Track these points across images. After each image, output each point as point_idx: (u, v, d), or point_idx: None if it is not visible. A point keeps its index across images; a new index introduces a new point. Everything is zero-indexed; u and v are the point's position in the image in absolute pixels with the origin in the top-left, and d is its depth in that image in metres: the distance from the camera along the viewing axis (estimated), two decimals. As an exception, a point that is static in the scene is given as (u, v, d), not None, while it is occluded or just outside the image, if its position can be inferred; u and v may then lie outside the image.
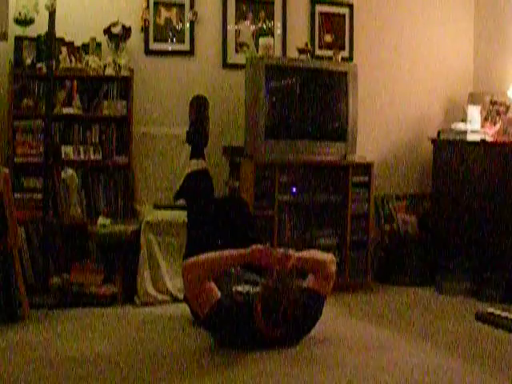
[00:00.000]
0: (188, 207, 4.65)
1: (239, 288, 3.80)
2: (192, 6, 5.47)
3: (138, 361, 3.50)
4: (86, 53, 5.11)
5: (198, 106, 4.83)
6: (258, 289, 3.74)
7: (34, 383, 3.18)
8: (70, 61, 5.04)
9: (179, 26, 5.46)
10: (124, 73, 5.12)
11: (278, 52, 5.64)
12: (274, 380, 3.25)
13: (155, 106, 5.43)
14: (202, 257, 3.73)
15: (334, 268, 3.96)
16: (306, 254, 3.98)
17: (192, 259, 3.76)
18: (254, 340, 3.65)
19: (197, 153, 4.74)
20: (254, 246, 3.74)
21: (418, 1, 6.09)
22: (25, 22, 4.89)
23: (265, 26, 5.66)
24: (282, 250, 3.77)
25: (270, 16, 5.67)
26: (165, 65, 5.47)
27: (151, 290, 4.77)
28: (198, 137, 4.76)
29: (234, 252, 3.77)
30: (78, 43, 5.11)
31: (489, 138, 5.41)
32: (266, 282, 3.66)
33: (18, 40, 4.96)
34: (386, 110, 6.02)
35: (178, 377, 3.29)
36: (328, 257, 4.00)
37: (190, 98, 4.95)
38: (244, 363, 3.46)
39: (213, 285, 3.67)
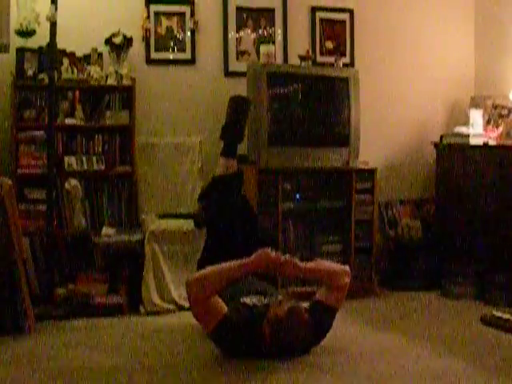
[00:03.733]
0: (209, 211, 4.55)
1: (247, 300, 3.75)
2: (193, 15, 5.48)
3: (146, 371, 3.49)
4: (88, 63, 5.12)
5: (237, 104, 4.60)
6: (266, 300, 3.72)
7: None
8: (72, 71, 5.06)
9: (180, 35, 5.47)
10: (126, 82, 5.13)
11: (279, 59, 5.64)
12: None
13: (157, 115, 5.44)
14: (206, 271, 3.66)
15: (347, 280, 3.89)
16: (317, 265, 3.93)
17: (195, 275, 3.72)
18: (261, 353, 3.60)
19: (228, 150, 4.53)
20: (258, 251, 3.70)
21: (419, 6, 6.09)
22: (26, 33, 4.91)
23: (266, 34, 5.67)
24: (287, 256, 3.74)
25: (271, 23, 5.68)
26: (166, 74, 5.48)
27: (156, 300, 4.77)
28: (233, 133, 4.53)
29: (238, 263, 3.68)
30: (79, 54, 5.12)
31: (491, 142, 5.40)
32: (276, 309, 3.57)
33: (20, 51, 4.96)
34: (388, 115, 6.01)
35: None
36: (341, 268, 3.94)
37: (230, 97, 4.71)
38: (253, 373, 3.44)
39: (218, 300, 3.61)
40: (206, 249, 4.43)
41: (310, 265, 3.87)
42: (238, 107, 4.59)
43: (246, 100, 4.71)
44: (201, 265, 4.21)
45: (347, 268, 3.97)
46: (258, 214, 4.85)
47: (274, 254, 3.70)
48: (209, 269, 3.68)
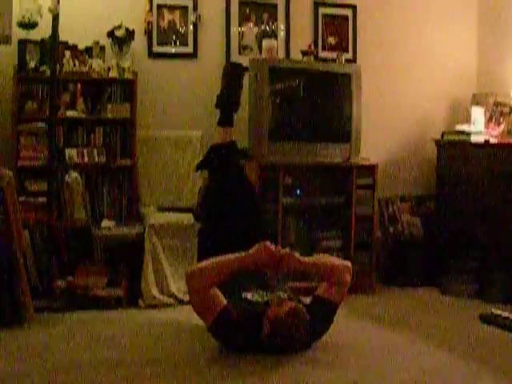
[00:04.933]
0: (209, 180, 4.57)
1: (248, 295, 3.75)
2: (195, 9, 5.48)
3: (144, 365, 3.49)
4: (90, 56, 5.12)
5: (232, 72, 4.61)
6: (268, 296, 3.72)
7: (39, 386, 3.18)
8: (74, 64, 5.05)
9: (182, 29, 5.47)
10: (127, 76, 5.12)
11: (281, 54, 5.64)
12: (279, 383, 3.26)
13: (159, 108, 5.44)
14: (206, 263, 3.66)
15: (348, 276, 3.86)
16: (318, 259, 3.91)
17: (195, 267, 3.72)
18: (260, 348, 3.59)
19: (225, 119, 4.57)
20: (258, 245, 3.67)
21: (421, 3, 6.09)
22: (28, 25, 4.90)
23: (268, 28, 5.67)
24: (287, 249, 3.72)
25: (274, 18, 5.67)
26: (168, 67, 5.47)
27: (155, 293, 4.77)
28: (227, 101, 4.56)
29: (238, 256, 3.67)
30: (81, 46, 5.12)
31: (492, 139, 5.40)
32: (276, 309, 3.57)
33: (22, 43, 4.96)
34: (390, 112, 6.01)
35: (185, 382, 3.27)
36: (342, 263, 3.91)
37: (224, 65, 4.75)
38: (251, 367, 3.44)
39: (218, 292, 3.60)
40: (203, 242, 4.42)
41: (311, 259, 3.86)
42: (232, 74, 4.59)
43: (240, 66, 4.68)
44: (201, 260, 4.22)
45: (349, 264, 3.93)
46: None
47: (274, 247, 3.70)
48: (208, 261, 3.67)
